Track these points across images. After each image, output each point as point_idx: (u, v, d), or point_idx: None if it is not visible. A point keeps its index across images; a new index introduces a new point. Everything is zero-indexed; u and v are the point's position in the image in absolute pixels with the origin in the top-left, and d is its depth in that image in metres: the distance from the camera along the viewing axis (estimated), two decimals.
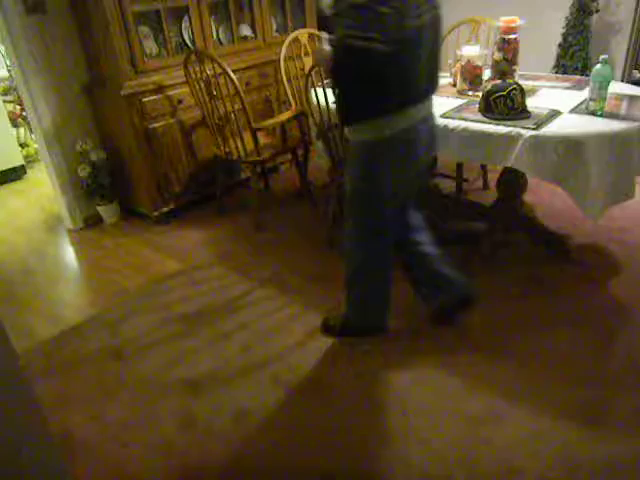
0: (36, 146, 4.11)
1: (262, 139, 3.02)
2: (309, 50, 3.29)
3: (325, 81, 2.32)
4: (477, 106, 2.20)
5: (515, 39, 2.34)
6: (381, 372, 1.94)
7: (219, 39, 3.47)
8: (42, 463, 1.14)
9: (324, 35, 1.63)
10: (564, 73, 3.65)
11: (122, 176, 3.30)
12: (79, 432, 1.81)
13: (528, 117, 2.06)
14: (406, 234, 2.02)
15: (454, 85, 2.58)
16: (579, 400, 1.74)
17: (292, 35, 3.25)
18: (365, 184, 1.80)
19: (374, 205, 1.84)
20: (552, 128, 1.97)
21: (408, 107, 1.67)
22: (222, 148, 3.03)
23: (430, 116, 1.81)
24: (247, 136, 2.92)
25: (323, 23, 4.09)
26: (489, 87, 2.13)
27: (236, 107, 2.84)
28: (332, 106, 2.33)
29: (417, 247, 2.03)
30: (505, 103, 2.06)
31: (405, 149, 1.74)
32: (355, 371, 1.96)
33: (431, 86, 1.77)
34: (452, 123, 2.11)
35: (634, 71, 3.75)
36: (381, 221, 1.87)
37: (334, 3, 1.53)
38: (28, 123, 4.09)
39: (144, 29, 3.08)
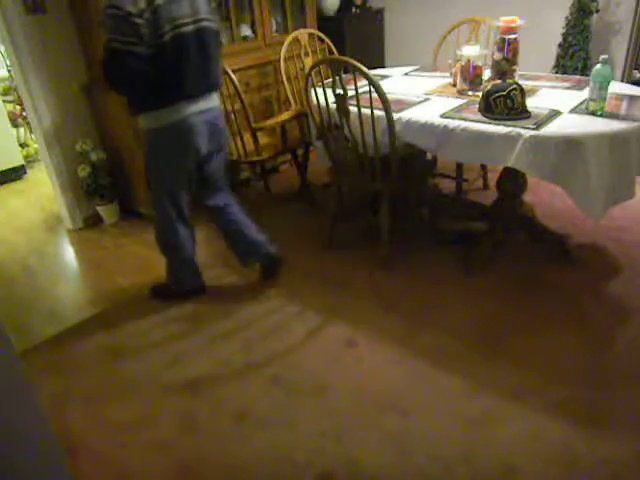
0: (36, 146, 4.11)
1: (262, 139, 3.02)
2: (309, 50, 3.29)
3: (325, 81, 2.32)
4: (477, 106, 2.20)
5: (515, 39, 2.34)
6: (380, 372, 1.95)
7: None
8: (42, 463, 1.14)
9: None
10: (564, 73, 3.65)
11: (122, 176, 3.30)
12: (79, 432, 1.82)
13: (528, 117, 2.06)
14: (217, 210, 2.38)
15: (454, 85, 2.58)
16: (579, 400, 1.75)
17: (292, 35, 3.25)
18: (150, 166, 2.16)
19: (159, 184, 2.17)
20: (552, 128, 1.96)
21: (183, 101, 1.96)
22: None
23: (211, 110, 2.08)
24: (247, 136, 2.91)
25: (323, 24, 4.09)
26: (489, 87, 2.13)
27: (236, 107, 2.83)
28: (332, 106, 2.33)
29: (228, 221, 2.40)
30: (505, 103, 2.06)
31: (180, 138, 2.02)
32: (354, 371, 1.96)
33: (208, 84, 2.05)
34: (452, 123, 2.11)
35: (634, 71, 3.75)
36: (164, 197, 2.17)
37: (102, 12, 1.81)
38: (28, 123, 4.08)
39: None
